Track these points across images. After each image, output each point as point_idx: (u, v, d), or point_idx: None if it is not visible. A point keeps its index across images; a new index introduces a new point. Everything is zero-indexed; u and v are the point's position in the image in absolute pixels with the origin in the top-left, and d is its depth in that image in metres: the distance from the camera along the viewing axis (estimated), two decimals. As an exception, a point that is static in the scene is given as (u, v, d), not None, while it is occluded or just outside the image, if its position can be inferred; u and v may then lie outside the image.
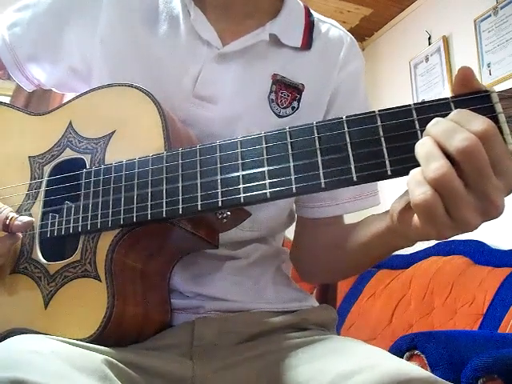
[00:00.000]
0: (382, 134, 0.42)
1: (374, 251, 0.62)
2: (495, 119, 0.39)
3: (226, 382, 0.55)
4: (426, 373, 0.49)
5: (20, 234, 0.58)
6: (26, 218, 0.56)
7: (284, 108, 0.67)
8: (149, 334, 0.58)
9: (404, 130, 0.42)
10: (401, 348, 1.32)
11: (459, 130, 0.38)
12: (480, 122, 0.38)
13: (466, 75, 0.41)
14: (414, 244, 0.50)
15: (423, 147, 0.39)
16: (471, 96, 0.40)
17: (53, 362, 0.42)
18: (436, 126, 0.39)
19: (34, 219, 0.58)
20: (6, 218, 0.55)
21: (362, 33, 3.21)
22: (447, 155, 0.38)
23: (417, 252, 2.29)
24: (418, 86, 2.80)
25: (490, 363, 1.14)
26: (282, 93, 0.67)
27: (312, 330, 0.65)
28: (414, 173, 0.39)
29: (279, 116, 0.67)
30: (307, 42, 0.70)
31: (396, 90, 2.96)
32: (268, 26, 0.68)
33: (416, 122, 0.41)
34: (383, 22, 3.10)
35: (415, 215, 0.42)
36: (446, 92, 2.57)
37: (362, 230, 0.62)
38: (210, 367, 0.56)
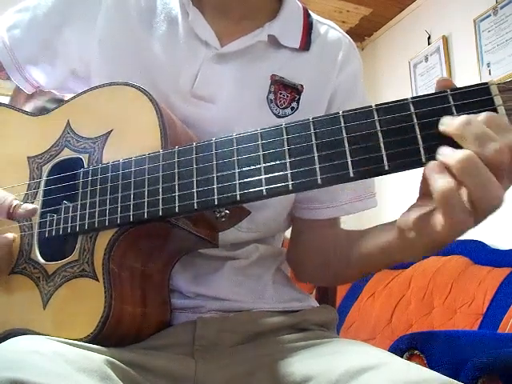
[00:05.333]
0: (378, 128, 0.41)
1: (376, 263, 0.63)
2: (494, 112, 0.38)
3: (227, 381, 0.55)
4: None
5: (11, 236, 0.58)
6: (29, 206, 0.56)
7: (283, 108, 0.67)
8: (148, 333, 0.58)
9: (401, 123, 0.41)
10: (400, 348, 1.32)
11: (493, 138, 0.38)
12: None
13: (446, 87, 0.41)
14: (419, 259, 0.50)
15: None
16: (470, 89, 0.40)
17: (54, 363, 0.42)
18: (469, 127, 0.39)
19: (37, 207, 0.58)
20: (10, 205, 0.56)
21: (362, 33, 3.21)
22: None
23: (417, 252, 2.28)
24: (418, 85, 2.80)
25: (490, 363, 1.13)
26: (280, 93, 0.67)
27: (313, 331, 0.65)
28: (434, 164, 0.40)
29: (278, 116, 0.67)
30: (306, 43, 0.69)
31: (396, 89, 2.96)
32: (267, 26, 0.68)
33: (413, 115, 0.41)
34: (383, 21, 3.09)
35: (432, 219, 0.41)
36: (445, 92, 2.57)
37: (367, 241, 0.62)
38: (211, 366, 0.56)
